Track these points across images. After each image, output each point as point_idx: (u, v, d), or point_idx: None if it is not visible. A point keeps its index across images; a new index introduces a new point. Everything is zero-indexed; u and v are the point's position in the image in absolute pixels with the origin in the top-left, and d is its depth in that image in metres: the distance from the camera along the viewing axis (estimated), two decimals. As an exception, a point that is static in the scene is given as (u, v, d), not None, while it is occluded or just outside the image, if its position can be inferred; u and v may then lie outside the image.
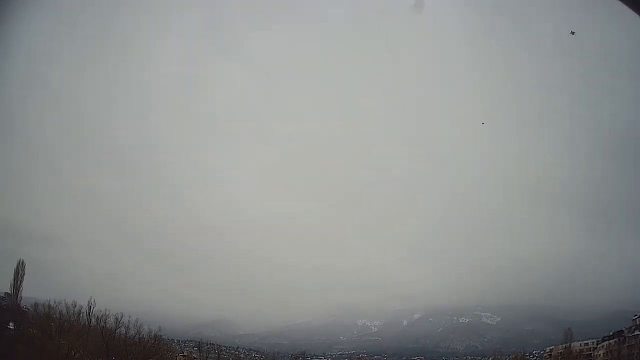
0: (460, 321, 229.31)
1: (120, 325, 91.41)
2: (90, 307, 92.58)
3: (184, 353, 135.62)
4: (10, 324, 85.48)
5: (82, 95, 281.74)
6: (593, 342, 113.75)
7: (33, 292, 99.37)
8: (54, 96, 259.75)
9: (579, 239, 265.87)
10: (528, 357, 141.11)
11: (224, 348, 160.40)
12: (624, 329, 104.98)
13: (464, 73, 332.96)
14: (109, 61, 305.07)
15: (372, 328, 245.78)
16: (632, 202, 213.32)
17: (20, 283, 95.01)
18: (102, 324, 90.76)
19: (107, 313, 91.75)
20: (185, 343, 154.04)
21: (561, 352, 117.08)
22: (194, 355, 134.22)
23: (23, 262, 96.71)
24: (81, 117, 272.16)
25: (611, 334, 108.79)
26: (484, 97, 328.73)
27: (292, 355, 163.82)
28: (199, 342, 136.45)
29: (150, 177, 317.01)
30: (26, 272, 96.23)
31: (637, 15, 6.56)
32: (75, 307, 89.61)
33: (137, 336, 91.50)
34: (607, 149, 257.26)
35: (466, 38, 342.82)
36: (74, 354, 77.58)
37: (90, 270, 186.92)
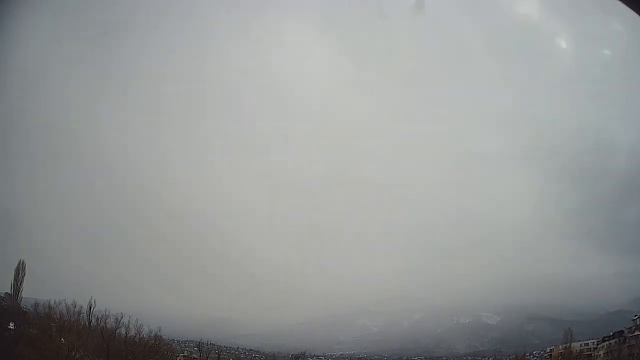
0: (460, 321, 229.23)
1: (120, 325, 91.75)
2: (90, 307, 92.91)
3: (184, 353, 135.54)
4: (10, 324, 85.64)
5: (83, 94, 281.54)
6: (593, 342, 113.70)
7: (33, 292, 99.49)
8: (54, 94, 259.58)
9: (578, 240, 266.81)
10: (528, 357, 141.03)
11: (224, 348, 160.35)
12: (624, 329, 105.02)
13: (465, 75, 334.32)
14: (112, 59, 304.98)
15: (372, 328, 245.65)
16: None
17: (20, 283, 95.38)
18: (102, 324, 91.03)
19: (107, 313, 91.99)
20: (185, 343, 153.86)
21: (561, 352, 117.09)
22: (194, 355, 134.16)
23: (23, 262, 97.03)
24: (83, 116, 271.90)
25: (611, 334, 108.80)
26: (486, 99, 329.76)
27: (292, 355, 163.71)
28: (199, 342, 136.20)
29: (152, 178, 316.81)
30: (26, 272, 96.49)
31: (637, 15, 6.56)
32: (75, 307, 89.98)
33: (137, 336, 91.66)
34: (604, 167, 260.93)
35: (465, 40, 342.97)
36: (74, 354, 77.63)
37: (90, 270, 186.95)
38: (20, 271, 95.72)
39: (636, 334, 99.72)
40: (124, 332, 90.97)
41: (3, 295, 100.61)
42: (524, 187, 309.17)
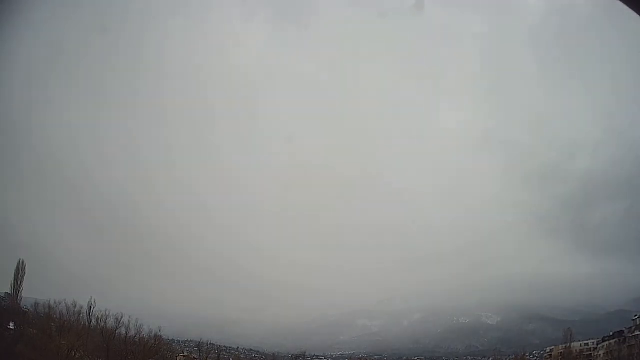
0: (460, 321, 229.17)
1: (120, 325, 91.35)
2: (90, 307, 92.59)
3: (184, 353, 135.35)
4: (10, 324, 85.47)
5: (82, 93, 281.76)
6: (593, 342, 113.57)
7: (33, 292, 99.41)
8: (54, 94, 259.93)
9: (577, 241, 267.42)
10: (528, 357, 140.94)
11: (224, 348, 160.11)
12: (624, 329, 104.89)
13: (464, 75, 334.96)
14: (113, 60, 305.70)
15: (372, 328, 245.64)
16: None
17: (20, 283, 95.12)
18: (102, 324, 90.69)
19: (107, 313, 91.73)
20: (185, 343, 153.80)
21: (561, 352, 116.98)
22: (194, 355, 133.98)
23: (23, 262, 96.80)
24: (83, 114, 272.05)
25: (611, 334, 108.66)
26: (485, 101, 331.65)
27: (292, 355, 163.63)
28: (199, 342, 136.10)
29: (154, 176, 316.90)
30: (26, 272, 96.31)
31: (637, 15, 6.55)
32: (75, 307, 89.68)
33: (137, 336, 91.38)
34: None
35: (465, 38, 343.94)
36: (74, 354, 77.52)
37: (90, 270, 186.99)
38: (20, 271, 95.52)
39: (636, 334, 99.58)
40: (124, 332, 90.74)
41: (3, 295, 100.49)
42: (518, 188, 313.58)
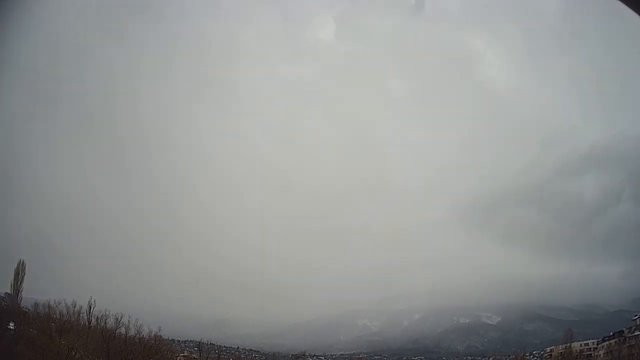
0: (460, 321, 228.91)
1: (120, 325, 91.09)
2: (90, 307, 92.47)
3: (184, 353, 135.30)
4: (10, 324, 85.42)
5: (84, 89, 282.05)
6: (593, 342, 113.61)
7: (33, 292, 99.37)
8: (54, 94, 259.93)
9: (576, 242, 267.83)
10: (528, 357, 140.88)
11: (224, 348, 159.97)
12: (624, 329, 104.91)
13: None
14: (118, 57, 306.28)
15: (372, 328, 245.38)
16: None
17: (20, 283, 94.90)
18: (102, 324, 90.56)
19: (107, 313, 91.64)
20: (185, 343, 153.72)
21: (561, 352, 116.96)
22: (194, 355, 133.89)
23: (23, 262, 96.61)
24: (83, 113, 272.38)
25: (611, 334, 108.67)
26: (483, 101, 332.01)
27: (292, 355, 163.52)
28: (199, 342, 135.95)
29: (155, 177, 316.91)
30: (26, 272, 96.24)
31: (637, 15, 6.54)
32: (75, 307, 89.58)
33: (137, 336, 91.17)
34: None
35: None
36: (74, 354, 77.44)
37: (91, 270, 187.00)
38: (20, 271, 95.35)
39: (636, 334, 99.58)
40: (124, 332, 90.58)
41: (3, 295, 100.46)
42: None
